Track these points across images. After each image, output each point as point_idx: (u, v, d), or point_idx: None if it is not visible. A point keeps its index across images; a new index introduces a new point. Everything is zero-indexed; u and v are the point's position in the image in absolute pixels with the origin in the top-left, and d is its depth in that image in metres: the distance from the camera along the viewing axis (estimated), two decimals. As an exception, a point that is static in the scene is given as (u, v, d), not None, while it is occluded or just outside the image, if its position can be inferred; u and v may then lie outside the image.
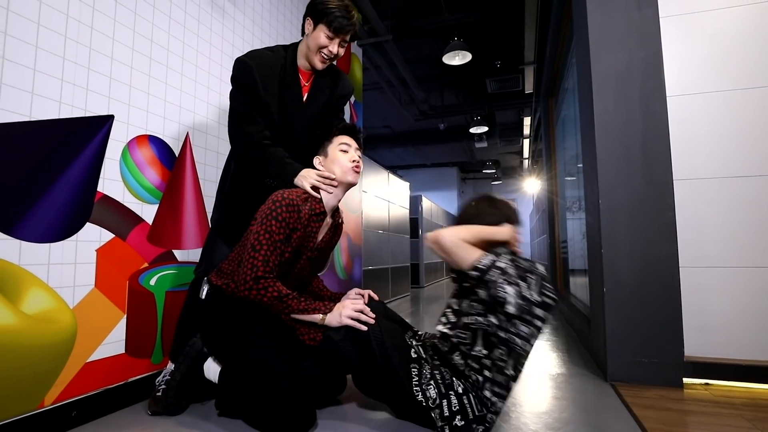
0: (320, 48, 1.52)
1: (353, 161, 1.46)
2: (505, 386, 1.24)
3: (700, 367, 1.74)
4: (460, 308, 1.35)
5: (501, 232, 1.37)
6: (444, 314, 1.40)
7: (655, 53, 1.86)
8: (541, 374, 1.91)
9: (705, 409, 1.48)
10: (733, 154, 1.78)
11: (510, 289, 1.20)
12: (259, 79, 1.47)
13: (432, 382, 1.24)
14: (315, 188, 1.44)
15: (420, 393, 1.22)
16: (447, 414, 1.19)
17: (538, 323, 1.24)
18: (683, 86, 1.85)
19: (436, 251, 1.34)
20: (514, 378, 1.26)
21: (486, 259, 1.24)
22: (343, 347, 1.29)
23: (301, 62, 1.60)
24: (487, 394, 1.23)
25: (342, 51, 1.56)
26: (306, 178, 1.44)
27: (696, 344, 1.76)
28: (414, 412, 1.29)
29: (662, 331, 1.75)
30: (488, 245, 1.34)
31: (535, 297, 1.22)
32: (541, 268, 1.29)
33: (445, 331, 1.35)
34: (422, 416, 1.27)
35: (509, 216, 1.42)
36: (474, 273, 1.24)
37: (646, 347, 1.76)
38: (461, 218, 1.46)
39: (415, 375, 1.25)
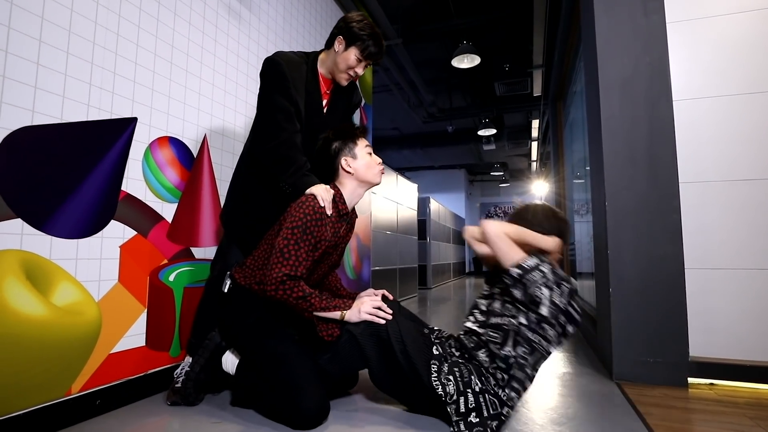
0: (348, 68, 1.61)
1: (379, 163, 1.56)
2: (522, 383, 1.28)
3: (705, 367, 1.76)
4: (490, 309, 1.39)
5: (546, 241, 1.38)
6: (471, 313, 1.44)
7: (661, 58, 1.89)
8: (548, 373, 1.95)
9: (708, 408, 1.51)
10: (739, 158, 1.81)
11: (546, 292, 1.24)
12: (289, 78, 1.54)
13: (451, 377, 1.27)
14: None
15: (440, 386, 1.26)
16: (463, 410, 1.22)
17: (561, 329, 1.28)
18: (689, 91, 1.88)
19: (474, 243, 1.41)
20: (532, 377, 1.31)
21: (531, 260, 1.27)
22: (362, 342, 1.35)
23: (322, 72, 1.68)
24: (508, 390, 1.27)
25: (364, 71, 1.66)
26: (317, 195, 1.45)
27: (701, 344, 1.78)
28: (429, 406, 1.34)
29: (667, 332, 1.77)
30: (530, 249, 1.35)
31: (564, 304, 1.26)
32: (574, 283, 1.33)
33: (475, 328, 1.38)
34: (437, 410, 1.32)
35: (562, 230, 1.43)
36: (516, 270, 1.27)
37: (651, 347, 1.79)
38: (517, 215, 1.47)
39: (435, 371, 1.29)
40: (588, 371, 1.98)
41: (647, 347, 1.80)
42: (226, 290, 1.49)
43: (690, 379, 1.76)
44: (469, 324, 1.41)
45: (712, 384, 1.76)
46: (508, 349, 1.28)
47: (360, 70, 1.62)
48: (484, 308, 1.41)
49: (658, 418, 1.40)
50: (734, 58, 1.84)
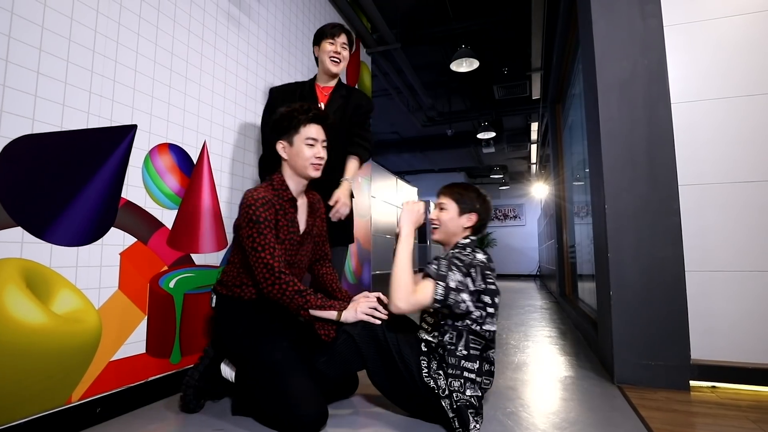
0: (330, 56, 1.87)
1: (317, 157, 1.50)
2: (457, 366, 1.31)
3: (707, 370, 1.76)
4: (433, 319, 1.44)
5: (404, 237, 1.43)
6: (423, 319, 1.48)
7: (659, 61, 1.89)
8: (550, 377, 1.94)
9: (711, 411, 1.51)
10: (738, 160, 1.81)
11: (466, 296, 1.31)
12: (279, 97, 1.87)
13: (441, 372, 1.31)
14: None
15: (432, 381, 1.29)
16: (455, 406, 1.26)
17: (489, 309, 1.36)
18: (687, 93, 1.88)
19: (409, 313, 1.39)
20: (469, 357, 1.32)
21: (439, 287, 1.30)
22: (359, 342, 1.35)
23: (320, 83, 1.94)
24: (480, 378, 1.32)
25: (346, 53, 1.90)
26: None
27: (702, 347, 1.78)
28: (425, 405, 1.34)
29: (668, 334, 1.77)
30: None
31: (481, 285, 1.34)
32: (480, 257, 1.40)
33: (429, 338, 1.41)
34: (433, 409, 1.32)
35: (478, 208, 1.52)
36: (437, 305, 1.31)
37: (652, 350, 1.79)
38: (453, 191, 1.55)
39: (425, 366, 1.32)
40: (589, 375, 1.97)
41: (648, 350, 1.79)
42: (213, 305, 1.51)
43: (692, 382, 1.75)
44: (422, 335, 1.43)
45: (714, 387, 1.76)
46: (461, 350, 1.33)
47: (337, 48, 1.86)
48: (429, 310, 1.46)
49: (660, 422, 1.39)
50: (732, 61, 1.84)
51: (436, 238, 1.54)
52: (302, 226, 1.57)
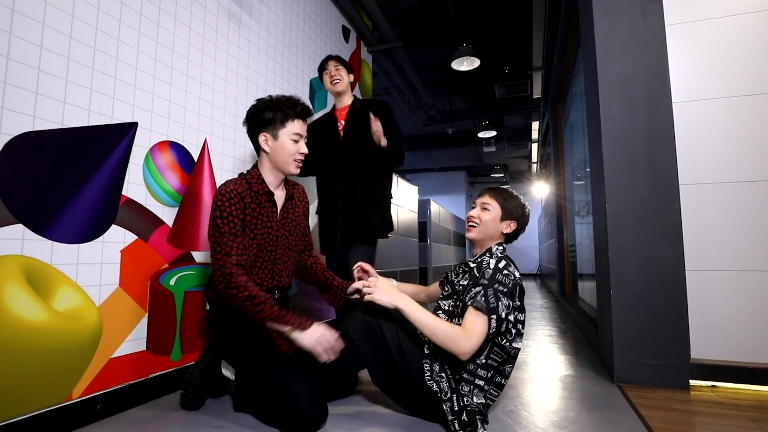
0: (329, 80, 2.04)
1: (300, 153, 1.50)
2: (473, 372, 1.30)
3: (706, 369, 1.76)
4: (454, 310, 1.42)
5: (405, 306, 1.32)
6: (435, 314, 1.44)
7: (660, 60, 1.89)
8: (550, 375, 1.95)
9: (710, 410, 1.51)
10: (738, 159, 1.81)
11: (511, 316, 1.31)
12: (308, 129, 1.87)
13: (443, 374, 1.30)
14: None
15: (434, 384, 1.29)
16: (456, 408, 1.25)
17: (519, 326, 1.36)
18: (688, 93, 1.88)
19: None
20: (487, 366, 1.31)
21: (492, 321, 1.26)
22: (359, 343, 1.35)
23: (337, 105, 2.09)
24: (488, 387, 1.32)
25: (342, 72, 2.04)
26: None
27: (702, 347, 1.78)
28: (425, 406, 1.34)
29: (668, 334, 1.77)
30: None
31: (517, 303, 1.33)
32: (517, 274, 1.37)
33: None
34: (433, 410, 1.32)
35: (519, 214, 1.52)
36: (491, 336, 1.29)
37: (652, 349, 1.79)
38: (498, 194, 1.52)
39: (428, 369, 1.31)
40: (589, 374, 1.98)
41: (648, 349, 1.79)
42: (207, 308, 1.51)
43: (691, 382, 1.75)
44: None
45: (713, 386, 1.76)
46: (482, 358, 1.31)
47: (332, 72, 2.03)
48: (447, 308, 1.44)
49: (659, 421, 1.39)
50: (733, 60, 1.84)
51: (472, 237, 1.48)
52: (278, 219, 1.54)
